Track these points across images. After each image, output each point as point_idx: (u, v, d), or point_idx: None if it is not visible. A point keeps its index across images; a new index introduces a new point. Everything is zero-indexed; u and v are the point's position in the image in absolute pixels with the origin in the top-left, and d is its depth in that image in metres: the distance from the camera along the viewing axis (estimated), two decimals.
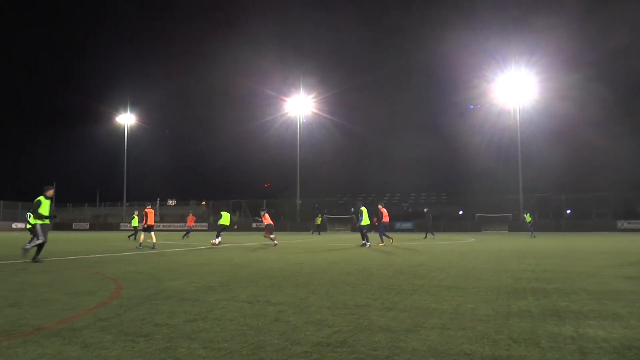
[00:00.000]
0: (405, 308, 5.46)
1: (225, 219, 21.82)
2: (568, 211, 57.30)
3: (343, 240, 27.73)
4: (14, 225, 64.87)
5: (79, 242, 25.24)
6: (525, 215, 37.04)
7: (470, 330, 4.36)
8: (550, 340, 4.06)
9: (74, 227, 70.70)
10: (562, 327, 4.52)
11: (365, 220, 19.87)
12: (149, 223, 18.73)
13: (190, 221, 32.73)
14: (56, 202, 79.22)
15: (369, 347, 3.85)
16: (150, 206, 19.91)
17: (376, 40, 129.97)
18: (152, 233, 18.91)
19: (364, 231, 19.76)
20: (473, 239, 28.17)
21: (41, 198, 12.08)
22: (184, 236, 30.66)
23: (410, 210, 73.86)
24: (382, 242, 20.05)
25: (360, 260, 12.03)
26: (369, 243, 19.29)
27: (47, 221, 12.08)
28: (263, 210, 21.42)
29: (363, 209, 20.19)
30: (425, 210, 31.10)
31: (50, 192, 12.30)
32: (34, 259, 11.57)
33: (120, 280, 8.09)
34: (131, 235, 28.52)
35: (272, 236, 19.98)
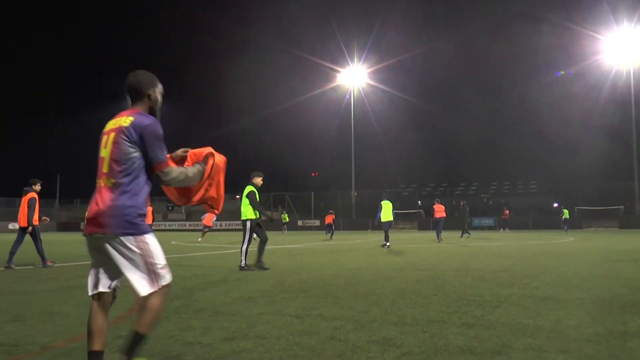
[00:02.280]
0: (489, 324, 5.39)
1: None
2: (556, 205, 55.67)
3: (408, 240, 27.62)
4: (10, 226, 66.96)
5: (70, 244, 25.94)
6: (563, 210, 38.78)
7: (574, 354, 4.25)
8: None
9: (82, 227, 72.89)
10: None
11: (387, 216, 20.99)
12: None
13: (209, 220, 31.92)
14: (61, 197, 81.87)
15: None
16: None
17: None
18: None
19: (386, 229, 20.94)
20: (573, 238, 27.59)
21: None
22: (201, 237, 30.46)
23: (491, 203, 72.92)
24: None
25: (431, 265, 11.95)
26: (388, 243, 20.27)
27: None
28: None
29: (384, 203, 21.23)
30: (462, 203, 31.27)
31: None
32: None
33: None
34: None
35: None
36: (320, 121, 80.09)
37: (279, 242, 25.63)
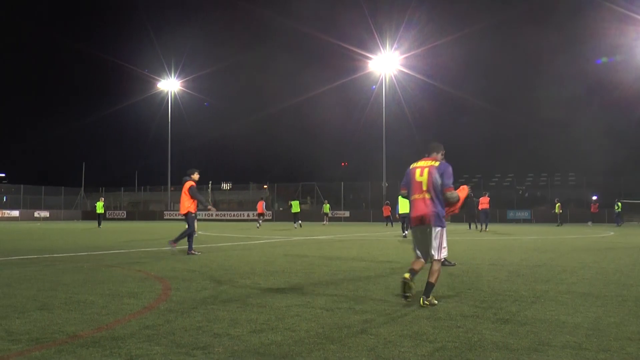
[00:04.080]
0: (525, 320, 5.35)
1: (295, 207, 23.79)
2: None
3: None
4: (36, 214, 68.18)
5: (115, 233, 26.33)
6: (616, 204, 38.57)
7: (616, 353, 4.20)
8: None
9: (107, 215, 73.71)
10: None
11: (404, 209, 21.59)
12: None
13: (260, 207, 35.79)
14: (85, 186, 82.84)
15: None
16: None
17: None
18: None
19: (402, 221, 22.43)
20: (613, 232, 27.21)
21: None
22: (258, 226, 34.21)
23: (527, 195, 72.17)
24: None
25: (465, 259, 11.87)
26: (405, 233, 21.89)
27: None
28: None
29: (401, 197, 21.61)
30: (486, 195, 30.88)
31: None
32: None
33: (167, 280, 8.38)
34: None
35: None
36: (351, 110, 79.94)
37: (309, 234, 25.66)
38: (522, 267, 10.07)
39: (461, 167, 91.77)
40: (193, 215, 13.39)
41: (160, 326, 5.06)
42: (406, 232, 22.05)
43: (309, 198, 68.67)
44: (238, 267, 10.13)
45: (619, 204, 38.49)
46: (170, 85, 73.56)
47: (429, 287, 6.24)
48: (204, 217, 60.45)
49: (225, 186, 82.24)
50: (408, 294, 6.25)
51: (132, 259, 11.96)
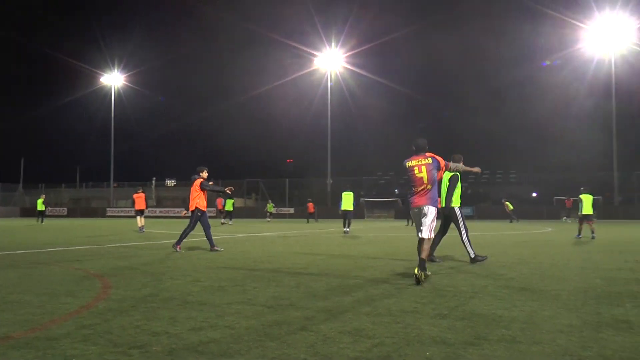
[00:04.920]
0: (463, 315, 5.44)
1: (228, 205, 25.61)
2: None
3: (384, 229, 27.75)
4: None
5: (55, 230, 25.77)
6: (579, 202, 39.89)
7: (547, 345, 4.32)
8: None
9: (47, 212, 71.95)
10: None
11: (347, 206, 23.85)
12: (137, 208, 24.88)
13: (219, 204, 38.37)
14: (24, 182, 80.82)
15: None
16: (141, 191, 25.73)
17: None
18: (140, 217, 24.32)
19: (344, 217, 23.86)
20: (550, 229, 27.92)
21: None
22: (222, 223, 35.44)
23: (469, 192, 73.45)
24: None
25: (407, 255, 12.02)
26: (347, 229, 23.21)
27: None
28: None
29: (344, 194, 24.48)
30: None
31: None
32: None
33: (108, 278, 8.24)
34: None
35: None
36: (296, 107, 79.99)
37: (252, 231, 25.60)
38: (462, 263, 10.25)
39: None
40: (199, 213, 13.33)
41: (98, 325, 4.97)
42: (347, 228, 22.97)
43: (254, 195, 68.46)
44: (180, 265, 10.04)
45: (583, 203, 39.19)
46: (113, 80, 72.33)
47: (421, 262, 7.57)
48: (147, 215, 59.59)
49: (170, 183, 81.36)
50: (419, 277, 7.44)
51: (71, 256, 11.71)
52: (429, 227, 7.94)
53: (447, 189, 10.72)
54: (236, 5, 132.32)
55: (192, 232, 13.48)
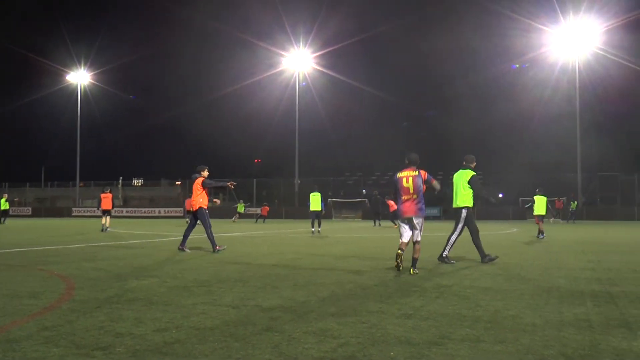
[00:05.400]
0: (428, 315, 5.48)
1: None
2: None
3: (351, 229, 27.81)
4: None
5: (18, 230, 25.40)
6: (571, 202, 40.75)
7: (510, 344, 4.37)
8: (616, 358, 4.07)
9: (11, 212, 70.70)
10: (634, 341, 4.52)
11: (315, 207, 24.26)
12: (103, 208, 24.86)
13: (187, 205, 37.10)
14: None
15: None
16: (109, 191, 26.09)
17: None
18: (106, 217, 24.55)
19: (313, 218, 24.28)
20: (516, 229, 28.22)
21: None
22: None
23: (436, 193, 73.78)
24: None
25: (373, 255, 12.07)
26: (314, 229, 23.53)
27: None
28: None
29: (312, 195, 24.85)
30: (375, 192, 33.73)
31: None
32: None
33: (72, 279, 8.13)
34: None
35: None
36: (265, 107, 79.77)
37: (220, 231, 25.48)
38: (429, 263, 10.30)
39: (373, 164, 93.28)
40: (205, 210, 13.26)
41: (61, 327, 4.90)
42: (314, 228, 23.40)
43: (221, 195, 68.07)
44: (146, 265, 9.96)
45: (574, 203, 41.76)
46: (79, 78, 71.43)
47: (415, 261, 8.83)
48: (114, 214, 59.01)
49: (136, 182, 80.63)
50: (400, 265, 8.81)
51: (35, 257, 11.53)
52: (420, 233, 9.12)
53: (472, 190, 10.90)
54: (205, 4, 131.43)
55: (188, 233, 13.41)
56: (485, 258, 10.53)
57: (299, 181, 63.28)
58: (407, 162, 9.33)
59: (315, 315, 5.43)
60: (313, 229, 23.49)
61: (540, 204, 20.66)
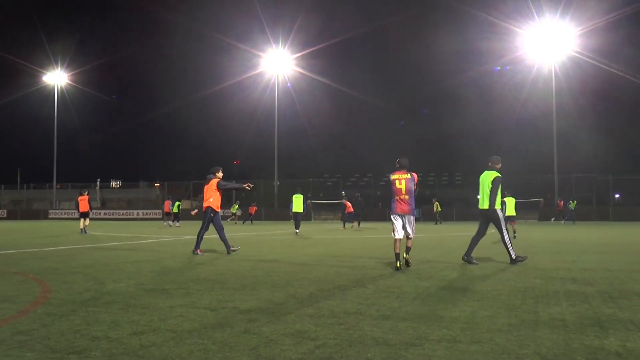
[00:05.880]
0: (406, 316, 5.50)
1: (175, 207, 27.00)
2: (616, 195, 57.81)
3: (331, 231, 27.83)
4: None
5: None
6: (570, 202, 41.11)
7: (486, 344, 4.40)
8: (589, 356, 4.10)
9: None
10: (605, 339, 4.57)
11: (297, 208, 24.69)
12: (80, 210, 25.25)
13: (167, 206, 37.97)
14: None
15: None
16: (86, 193, 26.29)
17: None
18: (85, 219, 24.91)
19: (295, 219, 25.00)
20: (494, 230, 28.34)
21: None
22: (170, 225, 35.58)
23: (416, 195, 73.98)
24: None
25: (352, 256, 12.08)
26: (297, 231, 24.24)
27: None
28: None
29: (294, 197, 24.99)
30: (356, 194, 33.98)
31: None
32: None
33: (47, 281, 8.06)
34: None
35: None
36: (244, 108, 79.62)
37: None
38: (422, 263, 10.33)
39: (352, 166, 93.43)
40: (212, 214, 13.14)
41: (35, 331, 4.85)
42: (297, 230, 23.96)
43: (200, 197, 67.81)
44: (123, 268, 9.89)
45: (573, 202, 42.13)
46: (56, 78, 70.78)
47: (408, 249, 10.10)
48: (92, 217, 58.56)
49: (115, 184, 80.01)
50: (402, 266, 9.65)
51: (10, 260, 11.41)
52: (412, 228, 10.14)
53: (490, 191, 10.84)
54: (184, 5, 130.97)
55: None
56: (515, 259, 10.58)
57: (279, 183, 63.29)
58: (398, 166, 10.14)
59: (293, 317, 5.43)
60: (297, 230, 24.03)
61: (510, 206, 21.16)
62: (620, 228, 29.56)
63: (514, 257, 10.54)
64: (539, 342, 4.43)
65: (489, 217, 11.05)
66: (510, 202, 21.16)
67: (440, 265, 10.29)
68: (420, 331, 4.82)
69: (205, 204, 13.21)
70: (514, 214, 21.16)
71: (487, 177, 10.97)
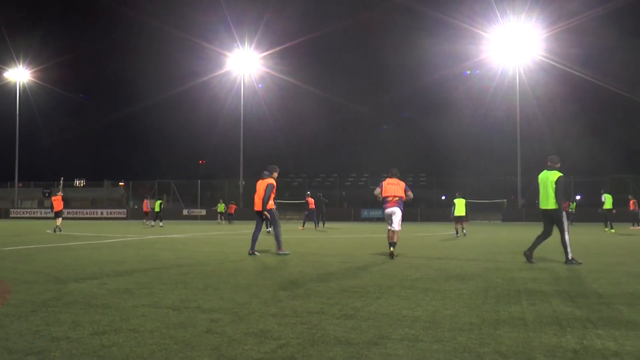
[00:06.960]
0: (368, 315, 5.52)
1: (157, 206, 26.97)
2: (577, 197, 58.69)
3: (297, 231, 27.84)
4: None
5: None
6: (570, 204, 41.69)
7: (448, 343, 4.44)
8: (547, 353, 4.16)
9: None
10: (563, 337, 4.64)
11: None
12: (55, 210, 25.88)
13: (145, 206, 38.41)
14: None
15: None
16: (59, 193, 27.35)
17: None
18: (59, 218, 25.37)
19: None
20: (455, 230, 28.61)
21: None
22: (152, 225, 35.24)
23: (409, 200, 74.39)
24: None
25: (316, 256, 12.10)
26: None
27: None
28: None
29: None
30: (319, 195, 34.02)
31: None
32: None
33: (7, 281, 7.93)
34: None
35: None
36: (210, 108, 79.16)
37: (162, 232, 25.19)
38: (371, 264, 10.40)
39: (317, 166, 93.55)
40: (275, 211, 13.03)
41: None
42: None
43: (165, 196, 67.26)
44: (86, 267, 9.76)
45: (573, 204, 41.59)
46: (18, 75, 69.57)
47: (394, 243, 11.77)
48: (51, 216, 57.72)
49: (78, 183, 78.97)
50: (394, 254, 11.54)
51: None
52: (398, 222, 11.93)
53: (555, 192, 10.66)
54: (149, 4, 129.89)
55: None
56: (570, 260, 10.44)
57: (244, 182, 63.06)
58: (389, 175, 12.25)
59: (256, 317, 5.42)
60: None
61: (460, 206, 22.04)
62: (580, 229, 29.99)
63: (570, 258, 10.45)
64: (499, 341, 4.49)
65: (552, 217, 10.87)
66: (460, 202, 22.02)
67: (403, 265, 10.33)
68: (383, 330, 4.85)
69: (269, 206, 12.80)
70: (463, 214, 22.03)
71: (549, 177, 10.81)
